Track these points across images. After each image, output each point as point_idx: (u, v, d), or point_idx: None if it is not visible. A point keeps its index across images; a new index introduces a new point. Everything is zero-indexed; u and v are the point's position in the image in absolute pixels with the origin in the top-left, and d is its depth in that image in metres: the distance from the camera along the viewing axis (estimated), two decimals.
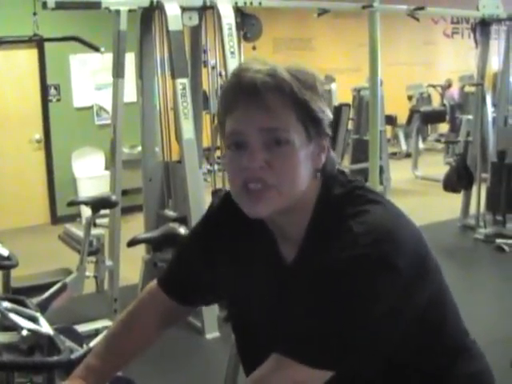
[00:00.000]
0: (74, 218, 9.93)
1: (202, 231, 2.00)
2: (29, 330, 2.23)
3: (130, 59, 6.42)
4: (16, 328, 2.25)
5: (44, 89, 10.48)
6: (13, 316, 2.29)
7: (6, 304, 2.37)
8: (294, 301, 1.65)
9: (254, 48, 6.73)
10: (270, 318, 1.78)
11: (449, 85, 15.55)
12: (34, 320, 2.34)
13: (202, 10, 6.21)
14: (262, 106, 1.60)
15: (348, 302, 1.54)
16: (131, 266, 6.19)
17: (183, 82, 5.76)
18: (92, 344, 4.36)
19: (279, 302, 1.76)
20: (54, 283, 5.25)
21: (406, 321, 1.63)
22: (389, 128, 14.23)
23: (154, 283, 2.06)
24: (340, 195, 1.70)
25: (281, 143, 1.60)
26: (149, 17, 6.37)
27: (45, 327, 2.30)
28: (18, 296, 2.63)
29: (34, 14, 6.78)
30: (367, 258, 1.54)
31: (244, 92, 1.62)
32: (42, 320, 2.36)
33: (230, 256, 1.88)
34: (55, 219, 10.57)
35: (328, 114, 1.69)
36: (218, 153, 7.27)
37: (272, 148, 1.61)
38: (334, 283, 1.56)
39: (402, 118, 14.84)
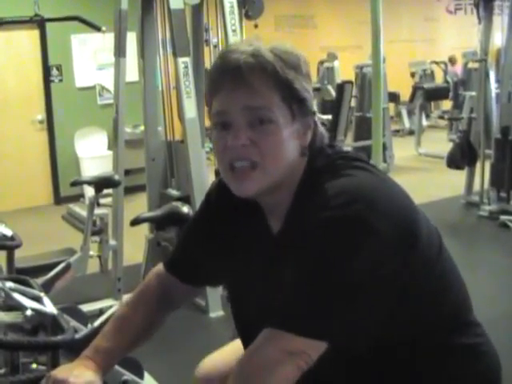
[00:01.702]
0: (78, 198, 9.94)
1: (203, 213, 2.05)
2: (33, 309, 2.23)
3: (131, 38, 6.40)
4: (20, 308, 2.25)
5: (46, 69, 10.47)
6: (17, 296, 2.29)
7: (10, 284, 2.36)
8: (278, 271, 1.69)
9: (255, 26, 6.70)
10: (262, 292, 1.80)
11: (453, 61, 15.46)
12: (37, 300, 2.34)
13: None
14: (246, 86, 1.64)
15: (323, 266, 1.55)
16: (135, 246, 6.20)
17: (185, 60, 5.73)
18: (96, 323, 4.38)
19: (268, 274, 1.79)
20: (57, 263, 5.25)
21: (396, 288, 1.62)
22: (392, 105, 14.20)
23: (160, 266, 2.09)
24: (323, 166, 1.73)
25: (264, 122, 1.65)
26: None
27: (49, 307, 2.29)
28: (22, 276, 2.63)
29: None
30: (337, 219, 1.55)
31: (228, 73, 1.66)
32: (45, 300, 2.35)
33: (229, 234, 1.92)
34: (58, 199, 10.58)
35: (311, 93, 1.73)
36: None
37: (256, 127, 1.65)
38: (308, 248, 1.58)
39: (405, 95, 14.77)
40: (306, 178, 1.74)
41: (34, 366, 2.41)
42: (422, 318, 1.73)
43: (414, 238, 1.64)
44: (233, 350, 2.24)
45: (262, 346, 1.58)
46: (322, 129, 1.81)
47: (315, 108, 1.78)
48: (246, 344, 1.95)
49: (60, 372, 1.82)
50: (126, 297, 5.54)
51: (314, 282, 1.56)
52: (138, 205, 7.36)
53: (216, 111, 1.71)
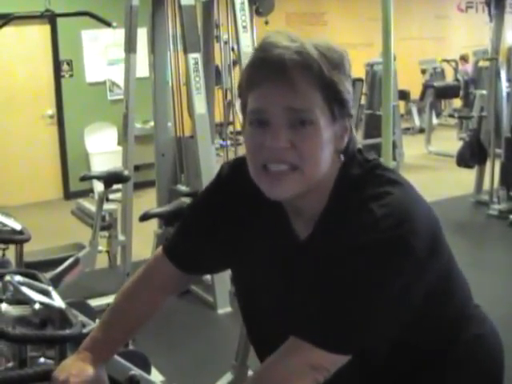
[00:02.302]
0: (87, 193, 9.88)
1: (208, 200, 1.96)
2: (41, 303, 2.23)
3: (142, 34, 6.41)
4: (28, 302, 2.26)
5: (56, 64, 10.48)
6: (25, 290, 2.29)
7: (19, 278, 2.37)
8: (308, 279, 1.65)
9: (266, 23, 6.70)
10: (276, 290, 1.77)
11: (465, 60, 15.41)
12: (46, 294, 2.35)
13: None
14: (289, 85, 1.56)
15: (366, 284, 1.54)
16: (144, 241, 6.20)
17: (195, 56, 5.74)
18: None
19: (291, 279, 1.74)
20: (66, 258, 5.27)
21: (417, 299, 1.63)
22: (402, 103, 14.18)
23: (159, 251, 2.04)
24: (359, 175, 1.68)
25: (305, 123, 1.57)
26: None
27: (57, 301, 2.30)
28: (31, 270, 2.64)
29: None
30: (388, 241, 1.53)
31: (271, 68, 1.57)
32: (54, 294, 2.36)
33: (238, 227, 1.85)
34: (68, 194, 10.60)
35: (352, 94, 1.65)
36: (231, 128, 7.26)
37: (296, 128, 1.57)
38: (352, 264, 1.55)
39: (416, 93, 14.75)
40: (342, 186, 1.68)
41: (42, 359, 2.42)
42: (428, 317, 1.73)
43: (438, 251, 1.65)
44: None
45: (287, 355, 1.57)
46: (354, 133, 1.74)
47: (352, 111, 1.69)
48: (252, 339, 1.94)
49: (60, 373, 1.80)
50: (125, 284, 5.53)
51: (350, 298, 1.54)
52: (148, 200, 7.37)
53: (254, 108, 1.61)
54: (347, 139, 1.68)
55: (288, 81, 1.55)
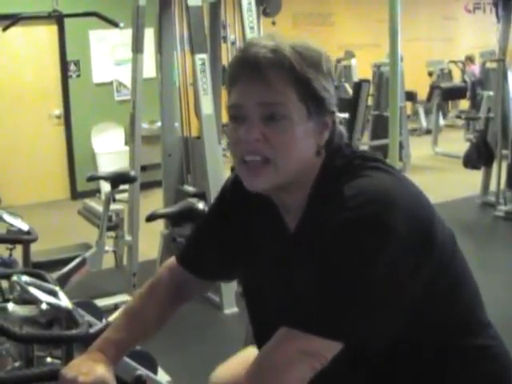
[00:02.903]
0: (94, 193, 9.89)
1: (217, 207, 2.05)
2: (48, 303, 2.24)
3: (149, 34, 6.42)
4: (35, 302, 2.27)
5: (64, 65, 10.50)
6: (32, 290, 2.30)
7: (26, 278, 2.38)
8: (296, 270, 1.69)
9: (273, 23, 6.69)
10: (278, 290, 1.79)
11: (471, 60, 15.39)
12: (53, 294, 2.35)
13: None
14: (262, 81, 1.63)
15: (341, 266, 1.55)
16: (150, 241, 6.21)
17: (202, 57, 5.74)
18: (111, 318, 4.39)
19: (284, 273, 1.78)
20: (73, 258, 5.28)
21: (411, 290, 1.62)
22: (409, 104, 14.15)
23: (172, 259, 2.09)
24: (340, 165, 1.72)
25: (278, 118, 1.64)
26: None
27: (64, 301, 2.31)
28: (38, 270, 2.65)
29: None
30: (355, 220, 1.55)
31: (247, 66, 1.66)
32: (60, 294, 2.36)
33: (243, 231, 1.92)
34: (75, 194, 10.61)
35: (332, 92, 1.72)
36: None
37: (269, 122, 1.64)
38: (326, 249, 1.58)
39: (423, 94, 14.75)
40: (323, 177, 1.73)
41: (49, 359, 2.42)
42: (433, 318, 1.72)
43: (429, 239, 1.64)
44: (247, 357, 2.23)
45: (278, 344, 1.58)
46: (340, 128, 1.79)
47: (335, 107, 1.74)
48: (260, 342, 1.95)
49: (69, 371, 1.81)
50: (139, 290, 5.54)
51: (330, 282, 1.55)
52: (154, 201, 7.38)
53: (232, 104, 1.71)
54: (327, 135, 1.73)
55: (262, 77, 1.63)
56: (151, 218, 4.44)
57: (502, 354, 1.86)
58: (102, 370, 1.83)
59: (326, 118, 1.72)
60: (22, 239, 3.90)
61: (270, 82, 1.63)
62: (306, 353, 1.55)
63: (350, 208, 1.57)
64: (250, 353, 2.19)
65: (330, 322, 1.55)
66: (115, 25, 6.87)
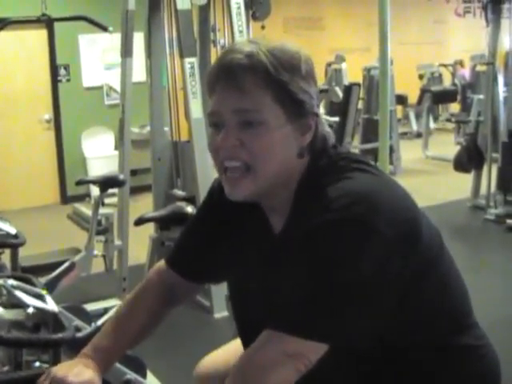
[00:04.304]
0: (84, 197, 9.97)
1: (205, 209, 2.05)
2: (34, 307, 2.24)
3: (138, 39, 6.40)
4: (22, 305, 2.26)
5: (53, 69, 10.50)
6: (19, 294, 2.29)
7: (13, 282, 2.37)
8: (278, 271, 1.69)
9: (262, 27, 6.69)
10: (262, 291, 1.79)
11: (460, 65, 15.43)
12: (39, 298, 2.35)
13: None
14: (236, 87, 1.64)
15: (325, 267, 1.55)
16: (140, 245, 6.20)
17: (191, 61, 5.74)
18: (100, 322, 4.38)
19: (269, 274, 1.78)
20: (62, 262, 5.26)
21: (397, 290, 1.62)
22: (399, 108, 14.17)
23: (161, 262, 2.09)
24: (323, 166, 1.72)
25: (253, 124, 1.64)
26: None
27: (50, 305, 2.30)
28: (25, 274, 2.64)
29: None
30: (338, 222, 1.55)
31: (222, 73, 1.67)
32: (47, 298, 2.36)
33: (229, 232, 1.93)
34: (65, 199, 10.60)
35: (313, 94, 1.71)
36: None
37: (246, 128, 1.65)
38: (309, 250, 1.58)
39: (413, 98, 14.76)
40: (307, 178, 1.73)
41: (37, 363, 2.41)
42: (420, 318, 1.73)
43: (414, 239, 1.64)
44: (232, 348, 2.24)
45: (261, 347, 1.58)
46: (326, 130, 1.79)
47: (318, 109, 1.74)
48: (245, 343, 1.95)
49: (59, 370, 1.82)
50: (129, 295, 5.54)
51: (314, 283, 1.55)
52: (144, 205, 7.38)
53: (210, 111, 1.72)
54: (310, 137, 1.73)
55: (236, 83, 1.64)
56: (139, 221, 4.43)
57: (488, 355, 1.86)
58: (90, 374, 1.84)
59: (308, 120, 1.71)
60: (9, 243, 3.89)
61: (245, 88, 1.64)
62: (290, 355, 1.55)
63: (333, 209, 1.57)
64: (236, 345, 2.19)
65: (313, 324, 1.55)
66: (104, 29, 6.86)
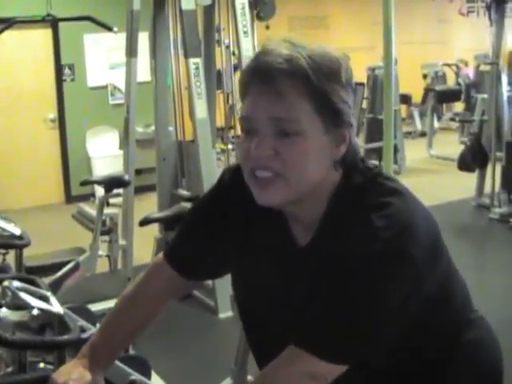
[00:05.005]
0: (89, 197, 9.96)
1: (209, 205, 1.96)
2: (39, 308, 2.24)
3: (143, 38, 6.41)
4: (27, 307, 2.26)
5: (58, 68, 10.50)
6: (23, 295, 2.29)
7: (18, 283, 2.37)
8: (307, 287, 1.65)
9: (267, 27, 6.70)
10: (281, 302, 1.76)
11: (465, 64, 15.40)
12: (44, 299, 2.35)
13: None
14: (274, 93, 1.55)
15: (365, 295, 1.54)
16: (145, 245, 6.20)
17: (196, 61, 5.74)
18: None
19: (290, 286, 1.74)
20: (66, 262, 5.27)
21: (416, 305, 1.62)
22: (403, 107, 14.15)
23: (159, 256, 2.05)
24: (360, 184, 1.66)
25: (290, 134, 1.55)
26: None
27: (55, 306, 2.30)
28: (29, 275, 2.64)
29: None
30: (387, 253, 1.53)
31: (258, 76, 1.58)
32: (52, 299, 2.36)
33: (236, 232, 1.85)
34: (69, 198, 10.60)
35: (351, 104, 1.62)
36: (232, 132, 7.25)
37: (282, 137, 1.56)
38: (352, 276, 1.55)
39: (417, 97, 14.75)
40: (342, 194, 1.67)
41: (42, 365, 2.42)
42: (430, 322, 1.72)
43: (436, 260, 1.65)
44: None
45: (286, 364, 1.57)
46: (356, 141, 1.71)
47: (353, 119, 1.66)
48: (252, 345, 1.94)
49: (59, 376, 1.80)
50: (126, 289, 5.54)
51: (351, 309, 1.54)
52: (149, 204, 7.37)
53: (243, 116, 1.62)
54: (344, 149, 1.65)
55: (274, 90, 1.54)
56: (144, 222, 4.44)
57: (489, 344, 1.89)
58: (91, 376, 1.83)
59: (343, 131, 1.63)
60: (14, 244, 3.89)
61: (283, 94, 1.54)
62: (312, 375, 1.55)
63: (381, 240, 1.53)
64: None
65: (338, 349, 1.55)
66: (109, 29, 6.87)
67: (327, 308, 1.56)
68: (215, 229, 1.91)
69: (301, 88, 1.55)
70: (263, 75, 1.56)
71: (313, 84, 1.55)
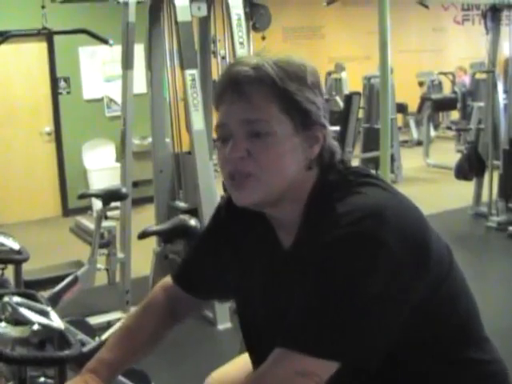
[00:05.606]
0: (86, 210, 9.96)
1: (212, 226, 2.04)
2: (40, 324, 2.23)
3: (139, 50, 6.41)
4: (27, 322, 2.26)
5: (54, 81, 10.51)
6: (24, 311, 2.29)
7: (17, 299, 2.37)
8: (290, 288, 1.67)
9: (263, 38, 6.70)
10: (272, 308, 1.78)
11: (465, 72, 15.41)
12: (44, 314, 2.34)
13: (211, 1, 6.20)
14: (244, 99, 1.65)
15: (337, 284, 1.54)
16: (143, 258, 6.20)
17: (192, 73, 5.75)
18: (104, 336, 4.38)
19: (279, 290, 1.76)
20: (65, 276, 5.25)
21: (405, 305, 1.61)
22: (400, 116, 14.19)
23: (167, 278, 2.09)
24: (333, 181, 1.71)
25: (261, 134, 1.64)
26: (157, 8, 6.36)
27: (56, 321, 2.29)
28: (30, 290, 2.64)
29: (43, 7, 6.76)
30: (348, 238, 1.54)
31: (229, 85, 1.68)
32: (52, 314, 2.35)
33: (238, 250, 1.91)
34: (66, 211, 10.59)
35: (319, 105, 1.71)
36: None
37: (254, 139, 1.65)
38: (320, 267, 1.57)
39: (413, 106, 14.79)
40: (317, 193, 1.72)
41: (42, 379, 2.41)
42: (431, 331, 1.71)
43: (424, 253, 1.62)
44: (241, 364, 2.23)
45: (274, 365, 1.57)
46: (333, 143, 1.77)
47: (325, 120, 1.74)
48: (253, 357, 1.94)
49: None
50: (133, 309, 5.54)
51: (324, 301, 1.54)
52: (146, 216, 7.36)
53: (217, 123, 1.72)
54: (318, 149, 1.72)
55: (243, 95, 1.65)
56: (143, 235, 4.42)
57: (497, 370, 1.85)
58: None
59: (316, 132, 1.71)
60: (13, 259, 3.89)
61: (252, 98, 1.64)
62: (302, 373, 1.53)
63: (343, 225, 1.56)
64: (244, 360, 2.18)
65: (325, 342, 1.53)
66: (105, 42, 6.86)
67: (302, 302, 1.57)
68: (218, 247, 1.98)
69: (268, 92, 1.65)
70: (233, 84, 1.67)
71: (279, 87, 1.65)
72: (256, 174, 1.65)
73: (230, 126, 1.68)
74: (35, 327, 2.22)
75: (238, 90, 1.65)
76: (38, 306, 2.42)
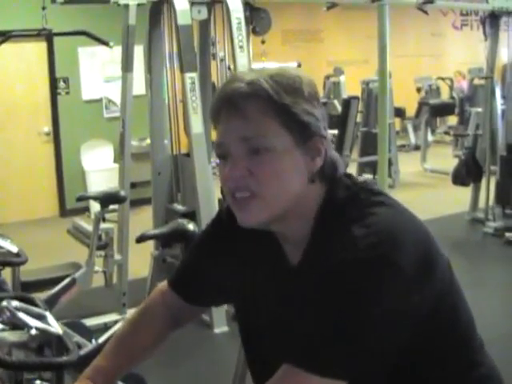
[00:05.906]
0: (83, 210, 9.94)
1: (213, 231, 2.00)
2: (37, 328, 2.23)
3: (139, 51, 6.42)
4: (25, 327, 2.26)
5: (53, 82, 10.50)
6: (21, 315, 2.29)
7: (16, 303, 2.36)
8: (299, 305, 1.65)
9: (263, 42, 6.70)
10: (276, 322, 1.77)
11: (463, 77, 15.42)
12: (42, 318, 2.34)
13: (211, 4, 6.21)
14: (240, 116, 1.61)
15: (349, 306, 1.52)
16: (140, 260, 6.19)
17: (192, 76, 5.76)
18: (101, 339, 4.37)
19: (284, 305, 1.74)
20: (63, 277, 5.25)
21: (412, 322, 1.61)
22: (398, 120, 14.18)
23: (164, 283, 2.06)
24: (344, 198, 1.68)
25: (260, 151, 1.61)
26: (158, 11, 6.38)
27: (54, 326, 2.29)
28: (27, 294, 2.64)
29: (44, 8, 6.76)
30: (366, 261, 1.52)
31: (225, 103, 1.64)
32: (50, 318, 2.35)
33: (237, 259, 1.88)
34: (64, 212, 10.58)
35: (318, 116, 1.67)
36: None
37: (253, 156, 1.61)
38: (334, 288, 1.55)
39: (411, 111, 14.78)
40: (328, 210, 1.69)
41: (38, 382, 2.41)
42: (432, 346, 1.71)
43: (431, 271, 1.62)
44: None
45: (280, 383, 1.56)
46: (335, 154, 1.74)
47: (325, 131, 1.69)
48: (253, 369, 1.94)
49: None
50: (130, 311, 5.54)
51: (337, 322, 1.53)
52: (144, 218, 7.37)
53: (216, 143, 1.69)
54: (321, 161, 1.68)
55: (240, 113, 1.61)
56: (141, 239, 4.43)
57: (496, 379, 1.86)
58: None
59: (316, 143, 1.67)
60: (11, 262, 3.88)
61: (249, 115, 1.61)
62: None
63: (359, 249, 1.54)
64: None
65: (332, 363, 1.52)
66: (105, 44, 6.86)
67: (312, 322, 1.56)
68: (215, 255, 1.95)
69: (264, 107, 1.61)
70: (228, 101, 1.63)
71: (275, 100, 1.61)
72: (259, 193, 1.62)
73: (228, 144, 1.65)
74: (33, 332, 2.21)
75: (233, 106, 1.62)
76: (36, 310, 2.42)
